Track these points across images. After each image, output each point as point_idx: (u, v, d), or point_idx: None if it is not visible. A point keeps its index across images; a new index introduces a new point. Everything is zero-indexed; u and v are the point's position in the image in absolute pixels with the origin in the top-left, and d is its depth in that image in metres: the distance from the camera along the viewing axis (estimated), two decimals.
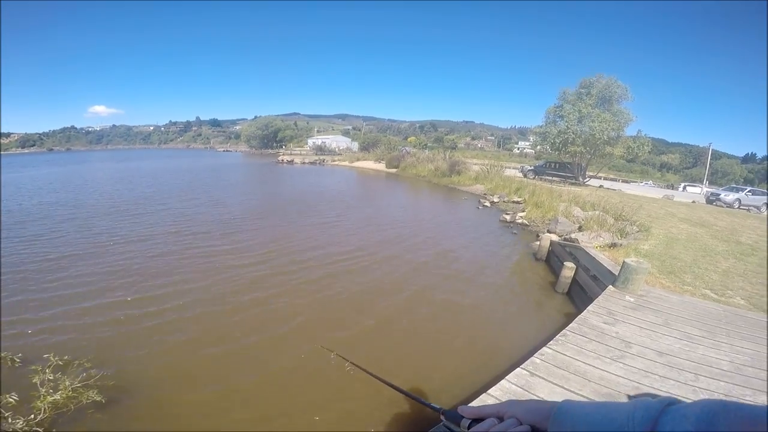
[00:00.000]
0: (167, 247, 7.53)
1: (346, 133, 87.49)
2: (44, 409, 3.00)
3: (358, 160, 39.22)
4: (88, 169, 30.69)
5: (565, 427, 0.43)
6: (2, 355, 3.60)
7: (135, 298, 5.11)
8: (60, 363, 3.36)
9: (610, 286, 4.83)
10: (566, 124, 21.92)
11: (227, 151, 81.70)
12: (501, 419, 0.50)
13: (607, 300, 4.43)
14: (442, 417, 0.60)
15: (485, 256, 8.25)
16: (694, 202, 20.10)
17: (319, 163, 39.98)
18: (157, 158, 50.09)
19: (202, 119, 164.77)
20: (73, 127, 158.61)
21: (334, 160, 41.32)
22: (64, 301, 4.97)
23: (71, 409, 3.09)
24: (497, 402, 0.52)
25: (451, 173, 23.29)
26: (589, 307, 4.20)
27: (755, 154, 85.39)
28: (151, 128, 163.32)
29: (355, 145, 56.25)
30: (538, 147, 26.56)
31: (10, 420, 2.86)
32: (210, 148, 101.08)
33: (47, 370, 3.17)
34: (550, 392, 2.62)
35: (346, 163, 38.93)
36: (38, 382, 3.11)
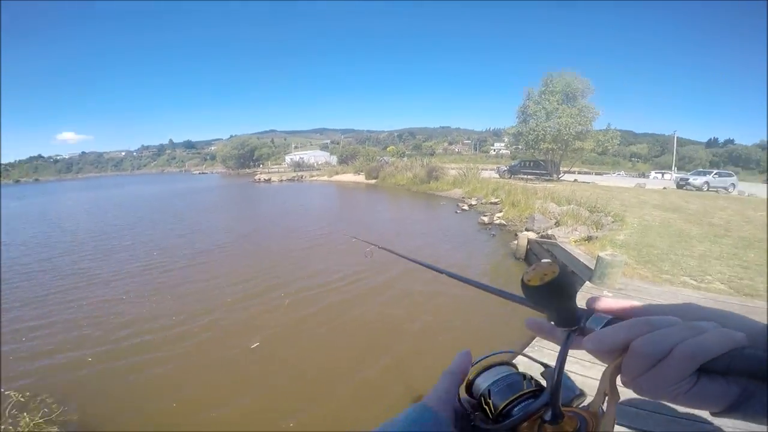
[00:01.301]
0: (136, 288, 6.75)
1: (324, 148, 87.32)
2: None
3: (337, 173, 38.98)
4: (53, 202, 29.14)
5: None
6: None
7: (102, 345, 4.63)
8: (22, 400, 3.36)
9: (588, 282, 4.66)
10: (535, 122, 22.31)
11: (203, 173, 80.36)
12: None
13: (582, 298, 4.21)
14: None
15: (466, 259, 8.12)
16: (665, 188, 20.63)
17: (297, 179, 39.52)
18: (128, 185, 48.04)
19: (175, 142, 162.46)
20: (40, 156, 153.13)
21: (312, 176, 40.94)
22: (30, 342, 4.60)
23: None
24: None
25: (429, 180, 23.31)
26: None
27: (717, 138, 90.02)
28: (123, 154, 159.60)
29: (334, 159, 56.20)
30: (513, 147, 26.97)
31: None
32: (185, 171, 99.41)
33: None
34: None
35: (325, 177, 38.60)
36: None
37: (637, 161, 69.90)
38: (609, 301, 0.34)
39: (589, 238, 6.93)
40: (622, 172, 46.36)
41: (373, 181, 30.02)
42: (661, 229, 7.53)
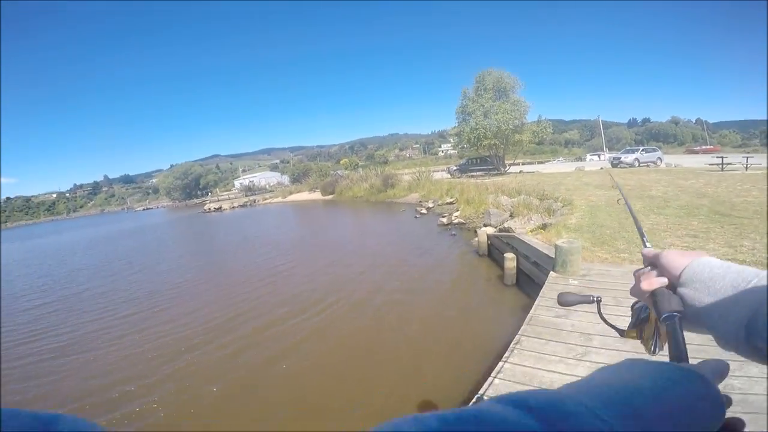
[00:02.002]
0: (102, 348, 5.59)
1: (274, 168, 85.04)
2: None
3: (291, 193, 37.88)
4: None
5: (700, 281, 0.46)
6: None
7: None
8: None
9: (552, 272, 4.59)
10: (475, 120, 23.07)
11: (147, 209, 74.45)
12: (654, 267, 0.54)
13: (551, 289, 4.13)
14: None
15: (432, 264, 7.91)
16: (602, 168, 22.17)
17: (250, 204, 37.76)
18: (66, 231, 41.03)
19: (111, 177, 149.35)
20: None
21: (266, 199, 39.41)
22: None
23: None
24: None
25: (385, 188, 23.30)
26: (537, 302, 3.86)
27: (636, 118, 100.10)
28: (54, 195, 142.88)
29: (286, 179, 54.72)
30: (458, 146, 27.73)
31: None
32: (128, 209, 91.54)
33: None
34: None
35: (280, 198, 37.36)
36: None
37: (573, 146, 75.49)
38: (646, 251, 0.59)
39: (544, 226, 7.03)
40: (562, 159, 49.64)
41: (330, 197, 29.56)
42: (607, 208, 7.83)
